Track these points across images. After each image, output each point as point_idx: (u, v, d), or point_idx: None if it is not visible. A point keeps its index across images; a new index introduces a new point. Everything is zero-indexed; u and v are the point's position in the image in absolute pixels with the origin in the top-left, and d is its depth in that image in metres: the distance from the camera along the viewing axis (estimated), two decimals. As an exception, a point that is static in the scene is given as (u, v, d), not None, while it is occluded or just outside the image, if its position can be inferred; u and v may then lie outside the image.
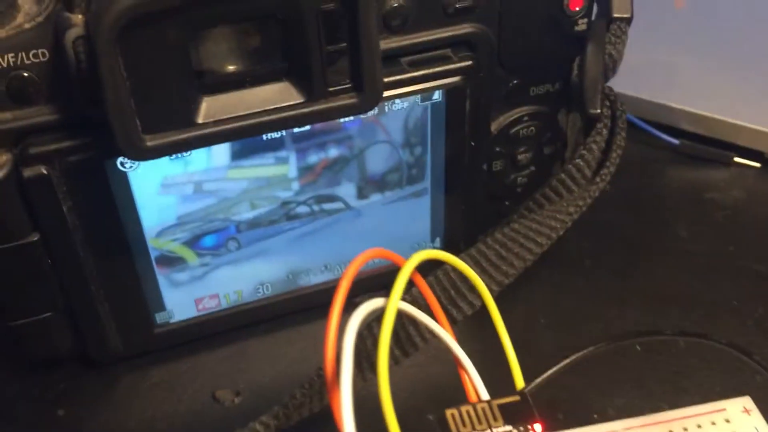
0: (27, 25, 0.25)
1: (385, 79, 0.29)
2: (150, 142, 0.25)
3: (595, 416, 0.31)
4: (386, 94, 0.30)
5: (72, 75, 0.26)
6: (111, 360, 0.33)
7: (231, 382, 0.33)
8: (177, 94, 0.25)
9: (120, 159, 0.28)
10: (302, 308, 0.35)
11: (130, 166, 0.28)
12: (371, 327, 0.28)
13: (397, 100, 0.31)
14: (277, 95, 0.27)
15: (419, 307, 0.26)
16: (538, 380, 0.26)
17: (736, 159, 0.42)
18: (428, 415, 0.30)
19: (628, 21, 0.32)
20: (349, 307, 0.22)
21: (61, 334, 0.31)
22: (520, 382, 0.26)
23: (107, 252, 0.30)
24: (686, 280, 0.36)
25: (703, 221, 0.39)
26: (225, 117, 0.26)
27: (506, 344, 0.26)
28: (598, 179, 0.31)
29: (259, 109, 0.26)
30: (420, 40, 0.30)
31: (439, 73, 0.30)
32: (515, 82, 0.33)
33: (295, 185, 0.32)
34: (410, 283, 0.26)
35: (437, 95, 0.31)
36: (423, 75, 0.30)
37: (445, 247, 0.35)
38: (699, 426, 0.28)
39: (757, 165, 0.42)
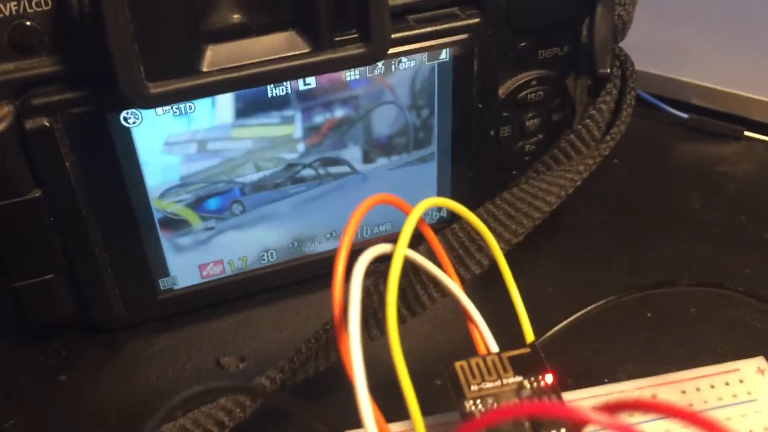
0: (29, -28, 0.25)
1: (393, 36, 0.29)
2: (153, 89, 0.25)
3: (606, 381, 0.30)
4: (393, 51, 0.29)
5: (75, 22, 0.25)
6: (114, 327, 0.32)
7: (236, 349, 0.32)
8: (181, 41, 0.25)
9: (123, 114, 0.28)
10: (307, 277, 0.34)
11: (134, 122, 0.28)
12: (377, 284, 0.27)
13: (404, 59, 0.30)
14: (283, 45, 0.26)
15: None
16: (549, 333, 0.26)
17: (747, 133, 0.42)
18: (436, 381, 0.29)
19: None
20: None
21: (64, 298, 0.31)
22: (530, 335, 0.25)
23: (110, 212, 0.29)
24: (699, 249, 0.36)
25: (715, 193, 0.39)
26: (229, 66, 0.26)
27: (515, 298, 0.25)
28: (608, 138, 0.31)
29: (264, 59, 0.26)
30: (427, -3, 0.30)
31: (446, 30, 0.30)
32: (523, 44, 0.33)
33: (301, 147, 0.31)
34: (418, 240, 0.26)
35: (444, 54, 0.31)
36: (430, 32, 0.30)
37: (452, 218, 0.35)
38: (712, 386, 0.27)
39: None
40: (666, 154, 0.42)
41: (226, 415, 0.25)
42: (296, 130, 0.31)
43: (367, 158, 0.33)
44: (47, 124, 0.27)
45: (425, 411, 0.21)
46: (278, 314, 0.34)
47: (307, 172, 0.32)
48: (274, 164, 0.31)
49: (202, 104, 0.29)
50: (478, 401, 0.22)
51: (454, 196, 0.35)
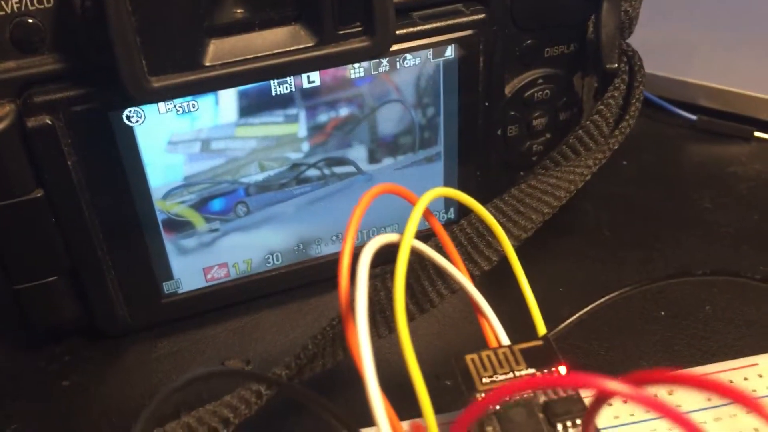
0: (31, -31, 0.25)
1: (397, 32, 0.28)
2: (156, 83, 0.25)
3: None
4: (398, 47, 0.29)
5: (77, 19, 0.25)
6: (118, 331, 0.32)
7: (241, 353, 0.32)
8: (184, 35, 0.25)
9: (126, 113, 0.27)
10: (313, 280, 0.34)
11: (137, 121, 0.28)
12: (385, 280, 0.27)
13: (409, 56, 0.30)
14: (286, 39, 0.26)
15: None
16: (561, 326, 0.25)
17: (756, 133, 0.41)
18: (446, 381, 0.29)
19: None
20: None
21: (66, 301, 0.30)
22: (542, 328, 0.24)
23: (113, 213, 0.29)
24: (712, 248, 0.35)
25: (726, 193, 0.38)
26: (232, 60, 0.26)
27: (526, 291, 0.25)
28: (617, 132, 0.30)
29: (267, 53, 0.26)
30: (432, -6, 0.30)
31: (450, 26, 0.30)
32: (529, 41, 0.32)
33: (305, 146, 0.31)
34: (426, 239, 0.25)
35: (449, 51, 0.30)
36: (434, 28, 0.30)
37: (459, 220, 0.34)
38: (731, 381, 0.27)
39: (779, 139, 0.41)
40: (675, 156, 0.42)
41: (231, 412, 0.24)
42: (301, 128, 0.30)
43: (373, 158, 0.32)
44: (49, 122, 0.26)
45: (435, 411, 0.20)
46: (284, 318, 0.33)
47: (312, 173, 0.32)
48: (279, 164, 0.31)
49: (205, 102, 0.28)
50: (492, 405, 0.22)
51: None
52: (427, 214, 0.24)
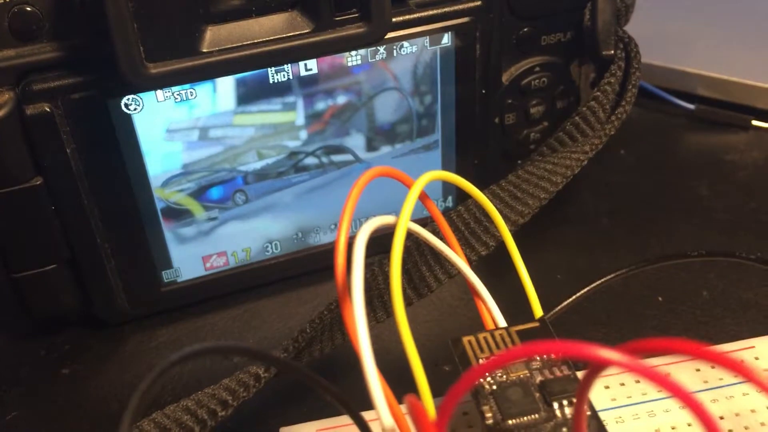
0: (29, -43, 0.25)
1: (394, 20, 0.29)
2: (153, 70, 0.25)
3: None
4: (394, 35, 0.29)
5: (75, 6, 0.25)
6: (117, 319, 0.32)
7: (240, 340, 0.32)
8: (181, 22, 0.25)
9: (124, 100, 0.28)
10: (312, 268, 0.34)
11: (135, 109, 0.28)
12: (382, 264, 0.27)
13: (406, 43, 0.30)
14: (283, 25, 0.26)
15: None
16: (558, 308, 0.25)
17: (754, 122, 0.41)
18: (444, 367, 0.29)
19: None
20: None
21: (66, 290, 0.30)
22: (538, 311, 0.24)
23: (112, 201, 0.29)
24: (709, 235, 0.35)
25: (724, 181, 0.38)
26: (230, 46, 0.26)
27: (522, 274, 0.25)
28: (613, 118, 0.30)
29: (264, 39, 0.26)
30: (428, -19, 0.30)
31: (447, 13, 0.30)
32: (526, 29, 0.32)
33: (303, 134, 0.31)
34: (425, 222, 0.26)
35: (446, 39, 0.31)
36: (431, 15, 0.30)
37: (457, 206, 0.34)
38: (729, 363, 0.27)
39: (776, 127, 0.41)
40: (673, 145, 0.42)
41: (230, 395, 0.24)
42: (298, 116, 0.30)
43: (371, 146, 0.32)
44: (48, 109, 0.27)
45: (434, 395, 0.21)
46: (283, 306, 0.33)
47: (310, 161, 0.32)
48: (277, 152, 0.31)
49: (203, 90, 0.28)
50: (487, 373, 0.22)
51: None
52: (424, 198, 0.24)
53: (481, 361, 0.22)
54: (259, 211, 0.32)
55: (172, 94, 0.28)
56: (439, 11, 0.30)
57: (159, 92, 0.28)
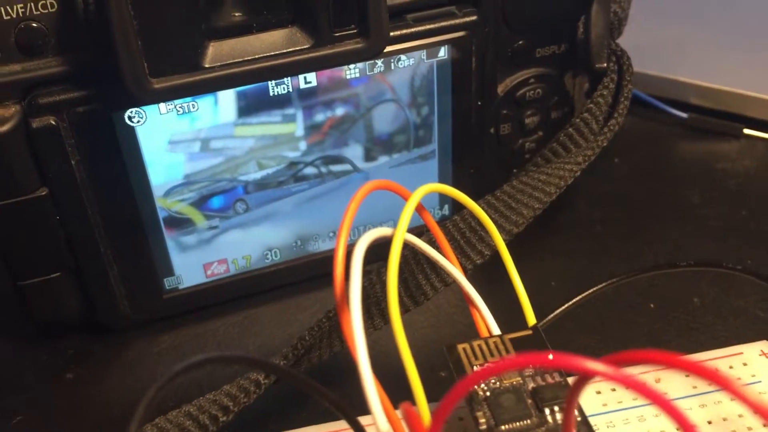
0: (35, -26, 0.26)
1: (391, 34, 0.29)
2: (157, 85, 0.26)
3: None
4: (392, 48, 0.30)
5: (80, 23, 0.26)
6: (120, 326, 0.33)
7: (241, 347, 0.32)
8: (183, 38, 0.26)
9: (128, 113, 0.28)
10: (311, 275, 0.34)
11: (138, 121, 0.29)
12: (380, 273, 0.28)
13: (403, 57, 0.31)
14: (283, 41, 0.27)
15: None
16: (551, 316, 0.26)
17: (746, 131, 0.42)
18: (441, 372, 0.30)
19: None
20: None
21: (70, 297, 0.31)
22: (531, 319, 0.25)
23: (115, 210, 0.30)
24: (700, 243, 0.36)
25: (716, 189, 0.39)
26: (231, 62, 0.26)
27: (516, 282, 0.25)
28: (606, 130, 0.31)
29: (265, 54, 0.27)
30: (425, -4, 0.30)
31: (443, 27, 0.31)
32: (520, 42, 0.33)
33: (303, 145, 0.32)
34: (422, 231, 0.26)
35: (443, 52, 0.31)
36: (428, 29, 0.30)
37: (453, 215, 0.35)
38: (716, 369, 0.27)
39: (767, 136, 0.42)
40: (666, 153, 0.42)
41: (231, 401, 0.25)
42: (298, 128, 0.31)
43: (369, 156, 0.33)
44: (53, 123, 0.27)
45: (430, 400, 0.21)
46: (282, 312, 0.34)
47: (310, 171, 0.32)
48: (277, 162, 0.32)
49: (205, 103, 0.29)
50: (481, 381, 0.22)
51: (456, 195, 0.35)
52: (421, 209, 0.25)
53: (475, 368, 0.23)
54: (259, 220, 0.33)
55: (175, 106, 0.29)
56: (436, 26, 0.30)
57: (162, 105, 0.28)
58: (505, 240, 0.28)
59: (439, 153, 0.34)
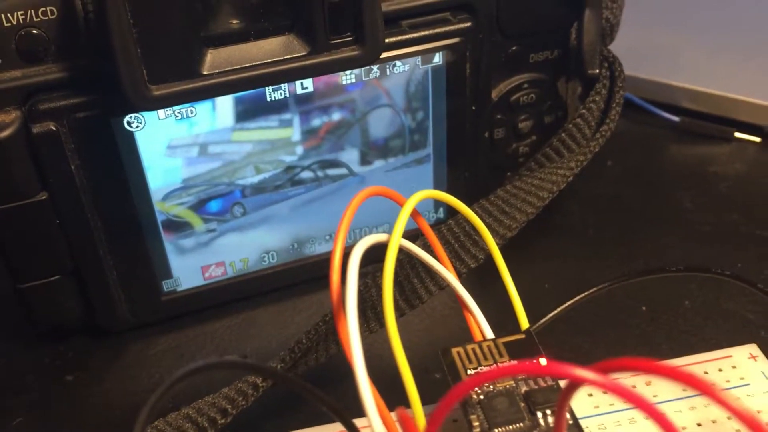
0: (36, -18, 0.26)
1: (387, 40, 0.30)
2: (156, 92, 0.26)
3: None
4: (388, 54, 0.30)
5: (80, 29, 0.26)
6: (119, 328, 0.33)
7: (239, 348, 0.33)
8: (182, 45, 0.26)
9: (127, 119, 0.29)
10: (308, 278, 0.35)
11: (137, 126, 0.29)
12: (376, 277, 0.28)
13: (398, 63, 0.31)
14: (280, 48, 0.27)
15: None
16: (544, 320, 0.26)
17: (737, 134, 0.43)
18: (435, 374, 0.30)
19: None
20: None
21: (69, 299, 0.31)
22: (524, 323, 0.26)
23: (114, 214, 0.30)
24: (691, 246, 0.36)
25: (707, 192, 0.40)
26: (229, 69, 0.27)
27: (509, 286, 0.26)
28: (598, 135, 0.32)
29: (262, 61, 0.27)
30: (420, 3, 0.31)
31: (438, 34, 0.31)
32: (514, 48, 0.34)
33: (299, 149, 0.32)
34: (415, 238, 0.27)
35: (437, 58, 0.32)
36: (423, 36, 0.31)
37: (448, 219, 0.36)
38: (706, 372, 0.28)
39: (758, 140, 0.43)
40: (658, 157, 0.43)
41: (229, 404, 0.25)
42: (295, 133, 0.32)
43: (365, 160, 0.33)
44: (53, 128, 0.28)
45: (425, 402, 0.22)
46: (280, 314, 0.34)
47: (306, 175, 0.33)
48: (274, 167, 0.32)
49: (203, 108, 0.29)
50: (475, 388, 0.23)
51: (451, 198, 0.36)
52: (415, 215, 0.25)
53: (469, 371, 0.23)
54: (256, 223, 0.33)
55: (173, 112, 0.29)
56: (431, 32, 0.31)
57: (160, 110, 0.29)
58: (498, 244, 0.29)
59: (434, 157, 0.34)
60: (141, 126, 0.29)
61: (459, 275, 0.29)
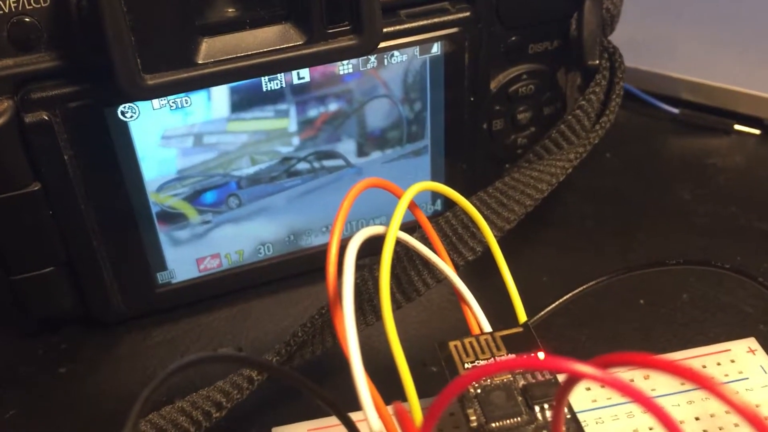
0: (28, -31, 0.26)
1: (384, 30, 0.29)
2: (150, 81, 0.26)
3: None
4: (385, 44, 0.30)
5: (73, 18, 0.26)
6: (113, 320, 0.33)
7: (234, 340, 0.33)
8: (177, 34, 0.26)
9: (121, 108, 0.28)
10: (304, 270, 0.35)
11: (131, 116, 0.29)
12: (372, 270, 0.28)
13: (396, 53, 0.31)
14: (276, 37, 0.27)
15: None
16: (542, 314, 0.26)
17: (737, 126, 0.42)
18: (432, 367, 0.30)
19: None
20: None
21: (63, 291, 0.31)
22: (522, 316, 0.25)
23: (108, 205, 0.30)
24: (690, 238, 0.36)
25: (706, 185, 0.39)
26: (224, 58, 0.26)
27: (507, 279, 0.26)
28: (597, 127, 0.31)
29: (258, 51, 0.27)
30: (418, -8, 0.31)
31: (436, 24, 0.31)
32: (514, 38, 0.33)
33: (296, 140, 0.32)
34: (412, 231, 0.26)
35: (436, 48, 0.31)
36: (421, 26, 0.30)
37: (445, 211, 0.35)
38: (704, 366, 0.28)
39: (757, 132, 0.42)
40: (658, 148, 0.43)
41: (224, 397, 0.25)
42: (291, 123, 0.31)
43: (362, 151, 0.33)
44: (46, 118, 0.27)
45: (421, 395, 0.21)
46: (275, 307, 0.34)
47: (303, 166, 0.32)
48: (270, 158, 0.32)
49: (198, 98, 0.29)
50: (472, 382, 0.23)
51: (448, 190, 0.35)
52: (413, 207, 0.25)
53: (466, 365, 0.23)
54: (252, 215, 0.33)
55: (168, 102, 0.29)
56: (429, 22, 0.30)
57: (155, 100, 0.28)
58: (496, 237, 0.29)
59: (432, 148, 0.34)
60: (135, 116, 0.29)
61: (456, 268, 0.28)
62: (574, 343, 0.31)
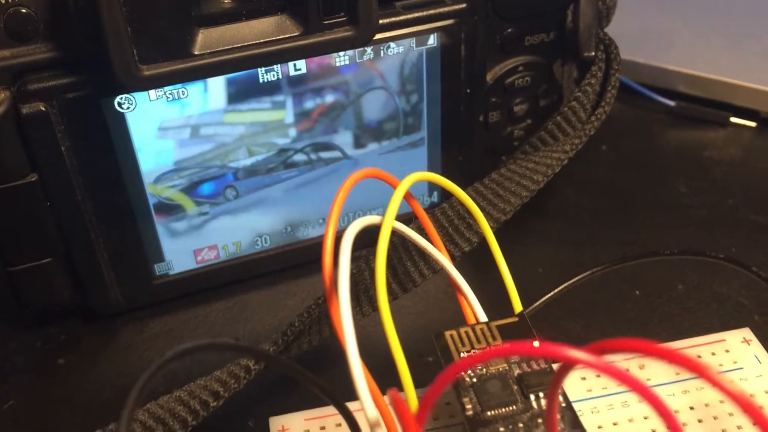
0: (24, -40, 0.26)
1: (381, 21, 0.29)
2: (146, 72, 0.26)
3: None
4: (381, 36, 0.30)
5: (69, 8, 0.26)
6: (111, 311, 0.33)
7: (231, 331, 0.33)
8: (173, 25, 0.26)
9: (117, 99, 0.28)
10: (301, 262, 0.35)
11: (128, 107, 0.29)
12: (369, 261, 0.28)
13: (392, 44, 0.31)
14: (273, 28, 0.27)
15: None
16: (537, 304, 0.26)
17: (733, 119, 0.43)
18: (428, 358, 0.30)
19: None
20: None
21: (61, 282, 0.31)
22: (518, 306, 0.25)
23: (105, 196, 0.30)
24: (686, 231, 0.36)
25: (702, 177, 0.40)
26: (221, 49, 0.26)
27: (503, 269, 0.26)
28: (593, 118, 0.31)
29: (254, 42, 0.27)
30: (414, -17, 0.31)
31: (432, 15, 0.31)
32: (510, 30, 0.33)
33: (292, 131, 0.32)
34: (409, 222, 0.26)
35: (432, 40, 0.31)
36: (417, 17, 0.30)
37: (442, 203, 0.35)
38: (699, 356, 0.28)
39: (753, 124, 0.42)
40: (654, 141, 0.43)
41: (221, 386, 0.25)
42: (287, 115, 0.31)
43: (358, 143, 0.33)
44: (43, 109, 0.27)
45: (418, 385, 0.21)
46: (272, 298, 0.34)
47: (299, 157, 0.32)
48: (267, 149, 0.32)
49: (194, 89, 0.29)
50: (467, 369, 0.23)
51: (445, 181, 0.35)
52: (409, 197, 0.25)
53: (462, 354, 0.23)
54: (249, 206, 0.33)
55: (165, 93, 0.29)
56: (425, 13, 0.31)
57: (151, 91, 0.29)
58: (492, 228, 0.29)
59: (428, 140, 0.34)
60: (132, 107, 0.29)
61: (453, 258, 0.28)
62: (570, 333, 0.31)
